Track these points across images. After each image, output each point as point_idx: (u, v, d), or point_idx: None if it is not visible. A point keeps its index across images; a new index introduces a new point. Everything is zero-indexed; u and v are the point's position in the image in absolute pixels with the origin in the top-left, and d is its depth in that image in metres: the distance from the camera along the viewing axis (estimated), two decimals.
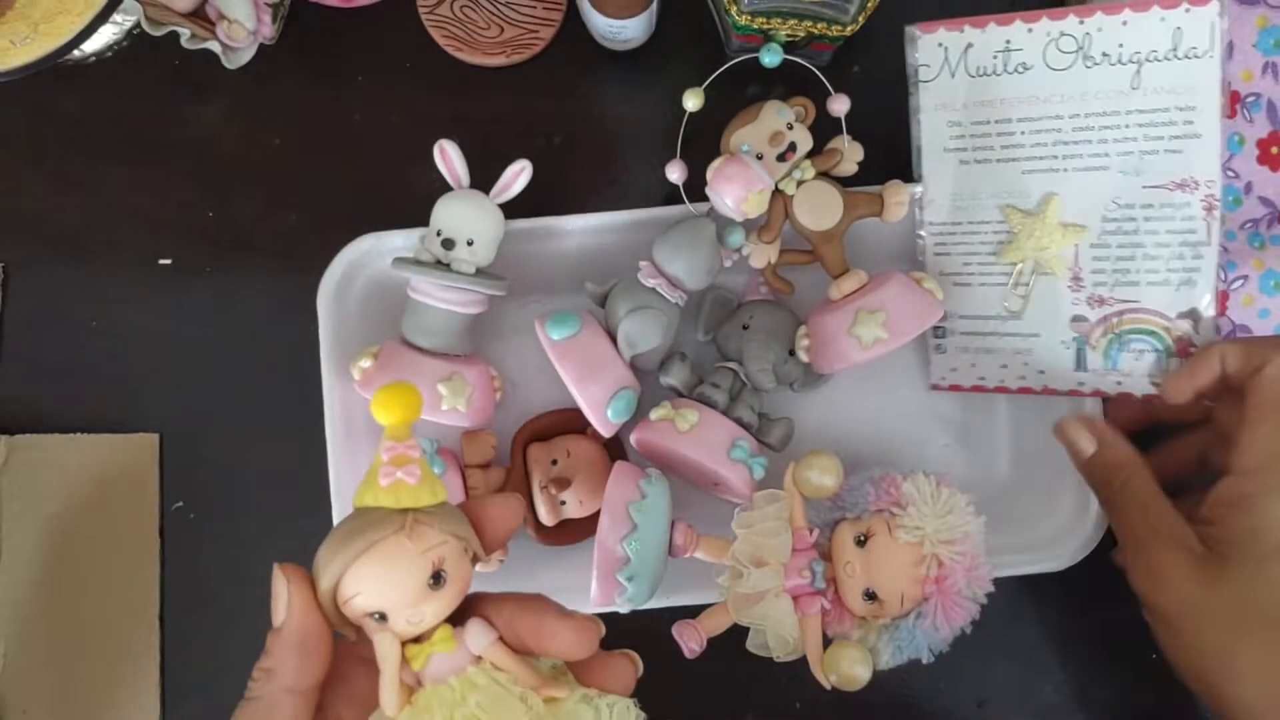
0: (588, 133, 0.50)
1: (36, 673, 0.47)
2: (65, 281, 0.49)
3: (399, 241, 0.45)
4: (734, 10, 0.43)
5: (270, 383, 0.48)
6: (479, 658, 0.28)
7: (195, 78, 0.49)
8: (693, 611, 0.40)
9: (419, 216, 0.49)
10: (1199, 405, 0.42)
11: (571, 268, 0.46)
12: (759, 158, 0.42)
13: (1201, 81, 0.42)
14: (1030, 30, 0.43)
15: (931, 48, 0.44)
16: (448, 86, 0.50)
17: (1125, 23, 0.42)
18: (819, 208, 0.42)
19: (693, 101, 0.42)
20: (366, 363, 0.42)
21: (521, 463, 0.44)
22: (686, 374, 0.44)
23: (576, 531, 0.45)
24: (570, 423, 0.45)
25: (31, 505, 0.48)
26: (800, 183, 0.42)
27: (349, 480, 0.44)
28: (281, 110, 0.50)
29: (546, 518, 0.44)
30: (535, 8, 0.49)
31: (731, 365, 0.44)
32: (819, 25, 0.44)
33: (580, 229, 0.45)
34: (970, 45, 0.44)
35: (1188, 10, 0.42)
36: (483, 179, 0.49)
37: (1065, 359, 0.45)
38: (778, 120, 0.42)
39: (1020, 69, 0.43)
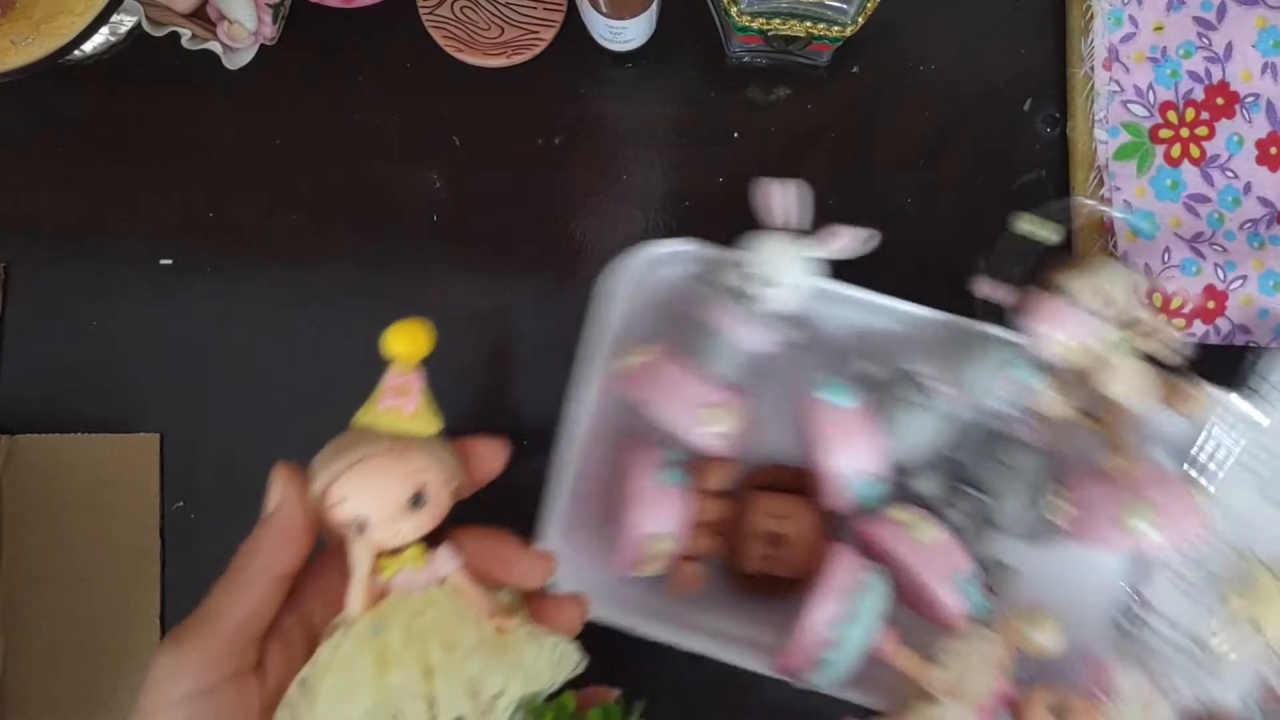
0: (588, 133, 0.50)
1: (36, 673, 0.47)
2: (65, 281, 0.49)
3: (685, 250, 0.44)
4: (734, 10, 0.43)
5: (270, 383, 0.48)
6: (443, 580, 0.30)
7: (195, 78, 0.49)
8: (842, 706, 0.40)
9: (419, 216, 0.49)
10: None
11: (843, 335, 0.45)
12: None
13: None
14: None
15: None
16: (448, 87, 0.50)
17: None
18: (1134, 384, 0.40)
19: (1044, 231, 0.41)
20: (638, 359, 0.41)
21: (745, 503, 0.43)
22: (937, 486, 0.42)
23: (762, 587, 0.44)
24: (799, 482, 0.44)
25: (31, 505, 0.48)
26: (1122, 353, 0.41)
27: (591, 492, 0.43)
28: (281, 110, 0.50)
29: (748, 566, 0.43)
30: (535, 8, 0.49)
31: (978, 494, 0.42)
32: (819, 25, 0.44)
33: (869, 304, 0.44)
34: None
35: None
36: (483, 179, 0.49)
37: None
38: (1113, 283, 0.40)
39: None
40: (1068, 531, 0.41)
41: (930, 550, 0.39)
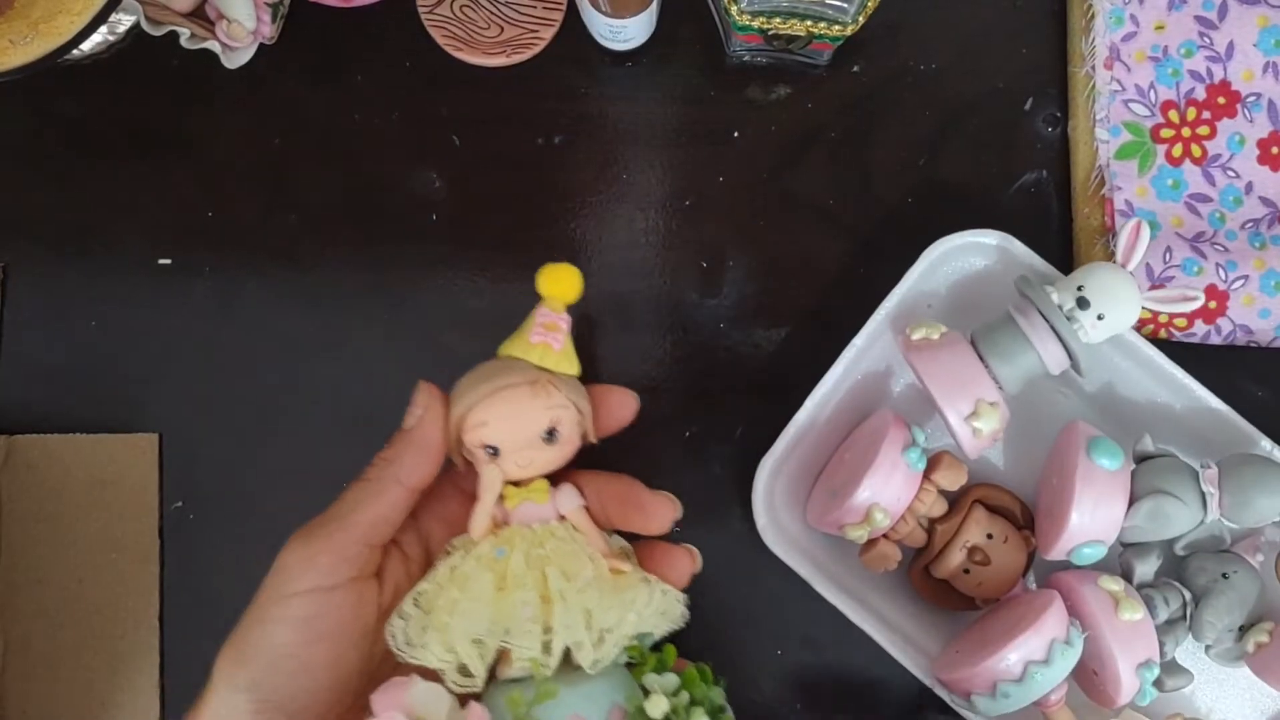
0: (587, 132, 0.50)
1: (36, 673, 0.47)
2: (65, 281, 0.49)
3: (996, 245, 0.44)
4: (734, 9, 0.43)
5: (270, 383, 0.48)
6: (563, 517, 0.31)
7: (195, 78, 0.49)
8: None
9: (419, 216, 0.49)
10: None
11: (1130, 396, 0.45)
12: None
13: None
14: None
15: None
16: (448, 86, 0.50)
17: None
18: None
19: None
20: (932, 335, 0.41)
21: (965, 512, 0.43)
22: (1152, 570, 0.42)
23: (941, 596, 0.44)
24: (1018, 513, 0.44)
25: (31, 505, 0.48)
26: None
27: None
28: (281, 110, 0.50)
29: (942, 571, 0.43)
30: (535, 8, 0.49)
31: (1188, 594, 0.42)
32: (819, 24, 0.44)
33: (1175, 382, 0.43)
34: None
35: None
36: (483, 178, 0.49)
37: None
38: None
39: None
40: (1253, 663, 0.42)
41: (1128, 628, 0.39)
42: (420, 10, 0.49)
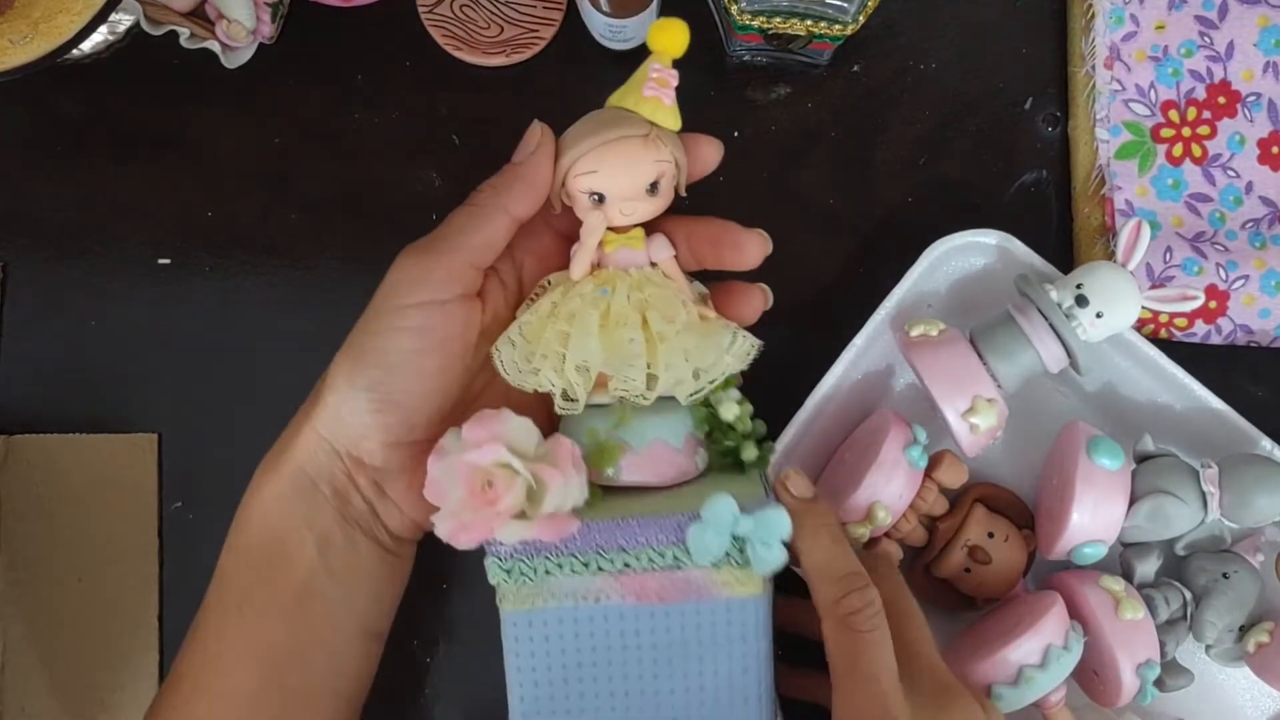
0: None
1: (36, 672, 0.47)
2: (65, 281, 0.49)
3: (998, 245, 0.44)
4: (734, 9, 0.43)
5: (269, 383, 0.48)
6: (654, 265, 0.33)
7: (195, 78, 0.49)
8: None
9: (419, 216, 0.49)
10: None
11: (1130, 396, 0.45)
12: None
13: None
14: None
15: None
16: (447, 86, 0.50)
17: None
18: None
19: None
20: (931, 331, 0.41)
21: (966, 511, 0.43)
22: (1152, 570, 0.42)
23: (941, 595, 0.44)
24: (1019, 513, 0.44)
25: (31, 505, 0.48)
26: None
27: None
28: (280, 109, 0.50)
29: (943, 570, 0.43)
30: (535, 7, 0.49)
31: (1188, 593, 0.42)
32: (819, 24, 0.44)
33: (1175, 382, 0.43)
34: None
35: None
36: (483, 178, 0.49)
37: None
38: None
39: None
40: (1253, 663, 0.42)
41: (1128, 628, 0.39)
42: (420, 10, 0.49)
